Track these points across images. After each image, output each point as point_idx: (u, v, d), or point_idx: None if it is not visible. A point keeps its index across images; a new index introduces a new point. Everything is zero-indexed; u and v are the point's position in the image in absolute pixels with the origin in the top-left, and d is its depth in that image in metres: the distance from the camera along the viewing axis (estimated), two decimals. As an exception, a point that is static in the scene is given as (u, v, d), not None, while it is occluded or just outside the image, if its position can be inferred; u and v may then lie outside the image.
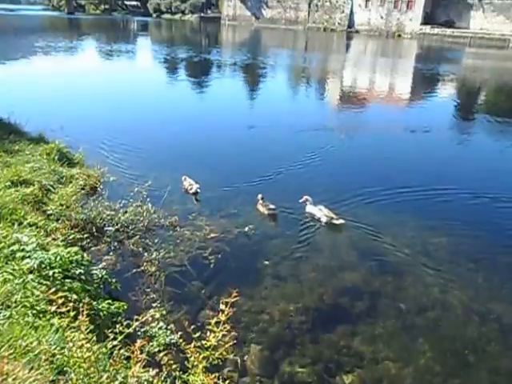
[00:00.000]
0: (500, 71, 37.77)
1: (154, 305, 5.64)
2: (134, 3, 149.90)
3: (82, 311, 2.88)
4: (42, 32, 61.64)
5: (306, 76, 29.87)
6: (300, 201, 8.86)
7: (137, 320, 3.25)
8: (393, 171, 11.19)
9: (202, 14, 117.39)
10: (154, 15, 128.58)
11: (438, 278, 6.89)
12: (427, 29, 74.12)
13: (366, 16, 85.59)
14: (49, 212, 7.17)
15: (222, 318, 3.07)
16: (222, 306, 3.12)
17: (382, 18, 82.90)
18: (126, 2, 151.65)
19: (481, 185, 10.62)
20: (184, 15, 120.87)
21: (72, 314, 2.98)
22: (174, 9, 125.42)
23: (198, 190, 9.35)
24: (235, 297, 3.10)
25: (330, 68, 35.15)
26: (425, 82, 29.48)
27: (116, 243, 7.07)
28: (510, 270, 7.26)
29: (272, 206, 8.71)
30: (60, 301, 2.76)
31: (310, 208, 8.77)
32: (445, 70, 35.35)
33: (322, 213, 8.54)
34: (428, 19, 76.28)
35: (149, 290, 6.02)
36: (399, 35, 77.98)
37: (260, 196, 8.92)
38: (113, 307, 4.51)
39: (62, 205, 7.45)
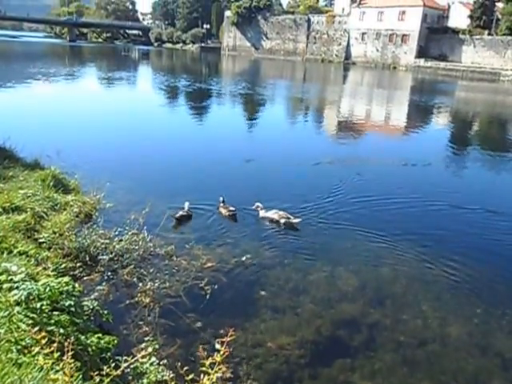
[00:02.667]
0: (491, 104, 38.37)
1: (146, 338, 5.39)
2: (136, 32, 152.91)
3: (67, 351, 2.69)
4: (43, 58, 62.41)
5: (304, 107, 30.10)
6: (253, 207, 9.51)
7: (126, 361, 3.04)
8: (392, 203, 11.05)
9: (203, 44, 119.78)
10: (156, 44, 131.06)
11: (437, 309, 6.73)
12: (421, 62, 76.14)
13: (362, 48, 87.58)
14: (41, 240, 6.96)
15: (218, 358, 2.85)
16: (217, 346, 2.91)
17: (377, 50, 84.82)
18: (128, 31, 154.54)
19: (479, 215, 10.55)
20: (185, 45, 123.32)
21: (56, 355, 2.78)
22: (176, 38, 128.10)
23: (190, 212, 9.33)
24: (231, 336, 2.90)
25: (328, 99, 35.43)
26: (420, 114, 29.82)
27: (110, 273, 6.85)
28: (510, 301, 7.10)
29: (232, 208, 9.48)
30: (43, 341, 2.57)
31: (264, 213, 9.40)
32: (439, 102, 35.78)
33: (278, 215, 9.20)
34: (422, 52, 78.30)
35: (142, 322, 5.80)
36: (394, 67, 79.64)
37: (221, 199, 9.71)
38: (102, 342, 4.29)
39: (54, 233, 7.23)
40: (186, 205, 9.38)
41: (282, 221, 9.16)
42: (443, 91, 46.11)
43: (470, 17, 77.10)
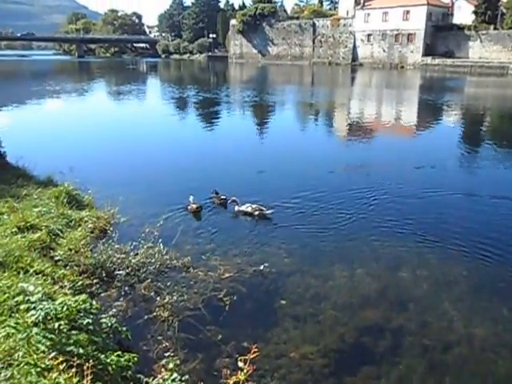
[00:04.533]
0: (501, 98, 37.94)
1: (167, 354, 5.30)
2: (143, 45, 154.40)
3: (87, 375, 2.60)
4: (52, 75, 63.15)
5: (314, 111, 29.78)
6: (229, 202, 10.21)
7: (147, 383, 2.94)
8: (408, 204, 10.87)
9: (210, 54, 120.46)
10: (163, 56, 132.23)
11: (462, 311, 6.57)
12: (428, 59, 75.79)
13: (368, 49, 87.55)
14: (57, 258, 6.92)
15: (241, 377, 2.71)
16: (240, 364, 2.77)
17: (384, 51, 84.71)
18: (135, 45, 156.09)
19: (499, 214, 10.34)
20: (192, 55, 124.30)
21: (76, 380, 2.69)
22: (183, 49, 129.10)
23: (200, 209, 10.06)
24: (254, 352, 2.76)
25: (337, 102, 35.14)
26: (431, 113, 29.28)
27: (127, 288, 6.78)
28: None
29: (223, 196, 10.45)
30: (61, 367, 2.49)
31: (239, 207, 9.96)
32: (449, 99, 35.45)
33: (252, 208, 9.76)
34: (429, 50, 77.98)
35: (161, 337, 5.70)
36: (402, 66, 79.44)
37: (216, 190, 10.67)
38: (122, 360, 4.20)
39: (70, 250, 7.20)
40: (191, 198, 10.04)
41: (256, 213, 9.72)
42: (452, 88, 45.67)
43: (475, 12, 76.62)
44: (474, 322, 6.30)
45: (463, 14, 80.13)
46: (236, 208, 10.03)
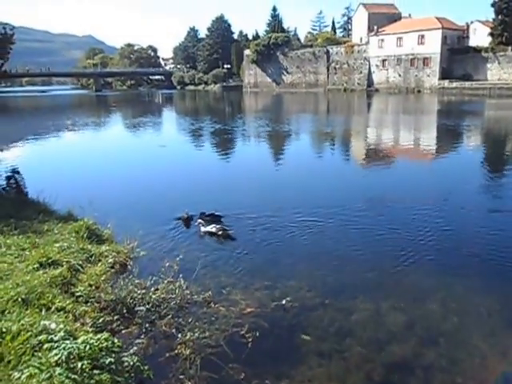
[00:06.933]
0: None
1: (189, 394, 5.20)
2: (159, 77, 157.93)
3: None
4: (71, 109, 64.55)
5: (330, 140, 29.48)
6: (195, 224, 10.98)
7: None
8: (435, 233, 10.58)
9: (225, 84, 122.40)
10: (179, 87, 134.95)
11: (494, 346, 6.28)
12: (446, 83, 75.96)
13: (384, 75, 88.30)
14: (77, 294, 6.88)
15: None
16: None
17: (399, 75, 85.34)
18: (151, 77, 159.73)
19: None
20: (207, 85, 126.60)
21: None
22: (198, 80, 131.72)
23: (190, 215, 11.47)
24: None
25: (353, 131, 34.76)
26: (451, 139, 28.63)
27: (147, 324, 6.65)
28: None
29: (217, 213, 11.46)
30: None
31: (205, 228, 10.60)
32: (469, 123, 35.19)
33: (216, 229, 10.43)
34: (445, 74, 78.19)
35: (183, 376, 5.55)
36: (419, 91, 79.79)
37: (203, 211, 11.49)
38: (146, 403, 4.12)
39: (90, 285, 7.17)
40: (185, 212, 11.52)
41: (220, 232, 10.34)
42: (472, 112, 45.41)
43: (491, 34, 76.84)
44: (509, 358, 6.06)
45: (479, 37, 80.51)
46: (202, 229, 10.60)
